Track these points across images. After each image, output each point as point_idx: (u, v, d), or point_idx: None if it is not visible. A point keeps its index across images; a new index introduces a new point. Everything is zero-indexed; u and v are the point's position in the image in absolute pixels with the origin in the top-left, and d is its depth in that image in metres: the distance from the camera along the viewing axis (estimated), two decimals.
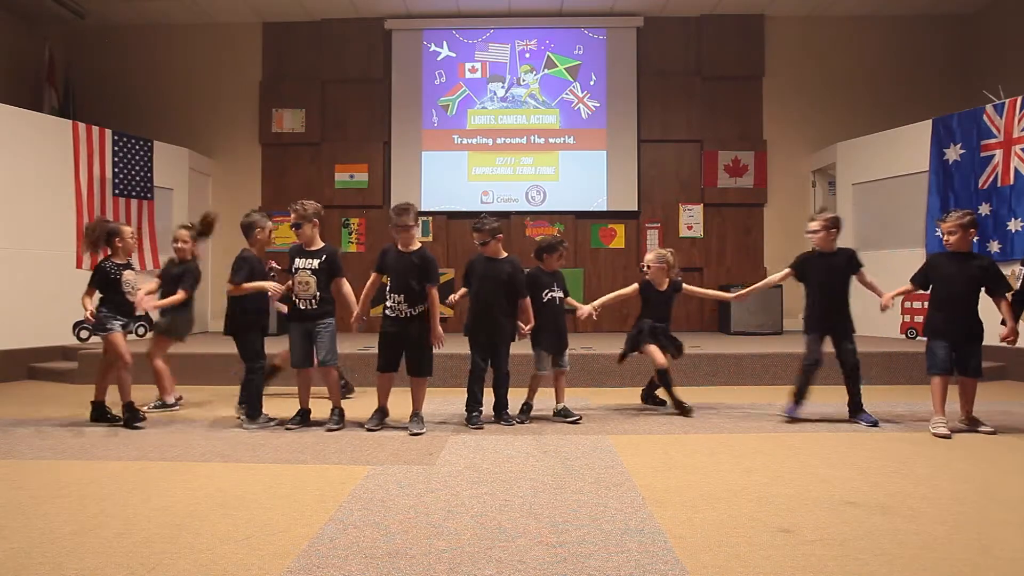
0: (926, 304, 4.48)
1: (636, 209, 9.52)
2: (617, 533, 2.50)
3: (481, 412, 4.53)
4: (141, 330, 6.96)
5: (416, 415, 4.35)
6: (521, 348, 4.75)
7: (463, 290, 4.68)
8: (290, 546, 2.39)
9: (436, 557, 2.28)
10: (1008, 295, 4.25)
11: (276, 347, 5.03)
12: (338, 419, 4.40)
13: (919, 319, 7.36)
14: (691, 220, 9.52)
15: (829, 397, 4.97)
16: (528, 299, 4.59)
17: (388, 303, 4.31)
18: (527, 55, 9.65)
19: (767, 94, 9.59)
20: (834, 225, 4.61)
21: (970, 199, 7.00)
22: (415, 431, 4.23)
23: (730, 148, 9.50)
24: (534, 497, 2.94)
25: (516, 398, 4.68)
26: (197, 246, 5.18)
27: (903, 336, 7.68)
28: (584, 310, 4.82)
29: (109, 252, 4.60)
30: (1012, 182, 6.67)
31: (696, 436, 4.20)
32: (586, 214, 9.53)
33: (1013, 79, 7.85)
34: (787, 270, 4.81)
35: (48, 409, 5.12)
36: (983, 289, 4.27)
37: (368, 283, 4.42)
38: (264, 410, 4.52)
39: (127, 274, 4.60)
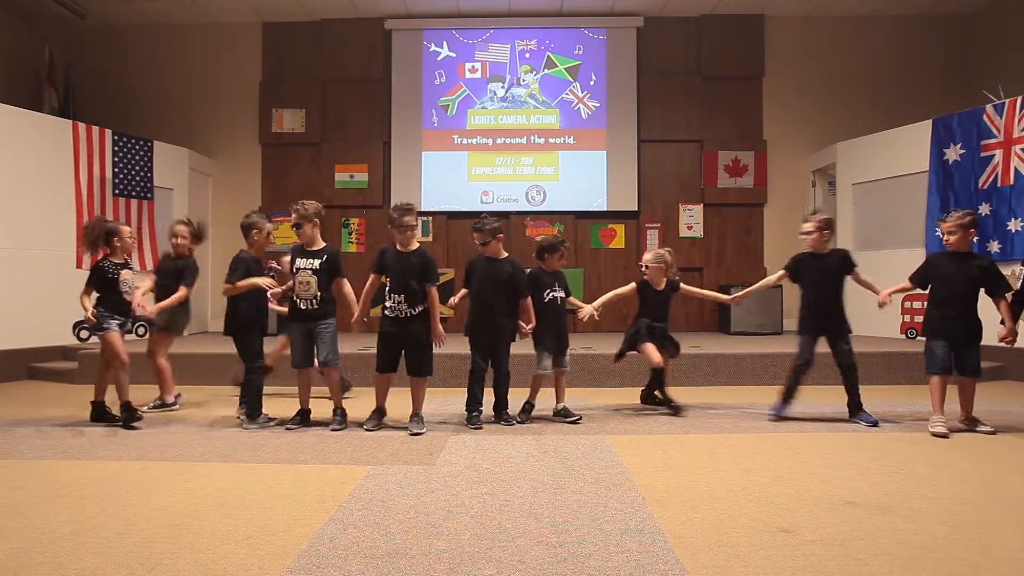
0: (926, 304, 4.48)
1: (636, 209, 9.51)
2: (617, 533, 2.50)
3: (481, 412, 4.53)
4: (141, 330, 6.96)
5: (416, 415, 4.35)
6: (521, 348, 4.75)
7: (463, 292, 4.68)
8: (290, 546, 2.39)
9: (436, 557, 2.28)
10: (1008, 295, 4.26)
11: (268, 347, 5.02)
12: (341, 419, 4.41)
13: (919, 319, 7.33)
14: (691, 220, 9.52)
15: (829, 397, 4.98)
16: (529, 299, 4.59)
17: (387, 303, 4.30)
18: (527, 55, 9.64)
19: (767, 94, 9.59)
20: (827, 226, 4.64)
21: (970, 199, 7.00)
22: (415, 431, 4.23)
23: (730, 148, 9.50)
24: (534, 497, 2.94)
25: (517, 398, 4.68)
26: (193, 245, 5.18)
27: (903, 336, 7.69)
28: (586, 310, 4.82)
29: (108, 251, 4.61)
30: (1012, 182, 6.67)
31: (696, 436, 4.20)
32: (586, 214, 9.53)
33: (1013, 79, 7.85)
34: (781, 271, 4.85)
35: (48, 409, 5.12)
36: (983, 289, 4.28)
37: (367, 284, 4.42)
38: (264, 410, 4.52)
39: (125, 273, 4.60)
